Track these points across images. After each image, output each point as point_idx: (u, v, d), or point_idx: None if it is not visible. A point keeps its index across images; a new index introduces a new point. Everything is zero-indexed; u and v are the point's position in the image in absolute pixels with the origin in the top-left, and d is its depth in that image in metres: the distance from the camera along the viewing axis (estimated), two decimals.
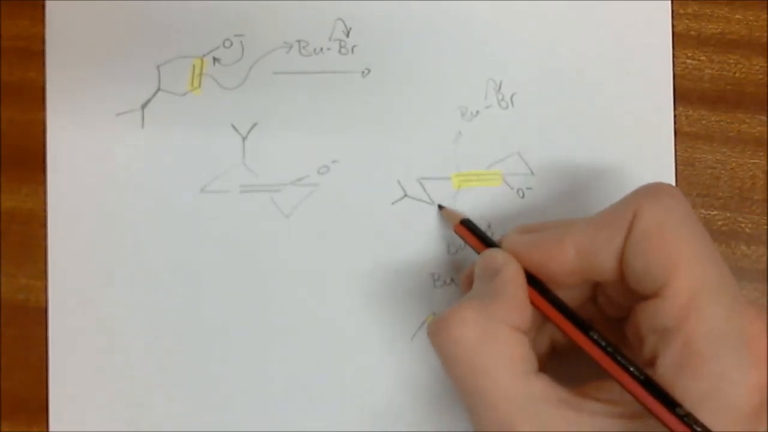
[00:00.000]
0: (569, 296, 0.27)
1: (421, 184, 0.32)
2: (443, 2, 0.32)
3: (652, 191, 0.25)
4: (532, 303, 0.26)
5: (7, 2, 0.32)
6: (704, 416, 0.22)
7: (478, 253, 0.28)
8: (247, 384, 0.31)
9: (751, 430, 0.22)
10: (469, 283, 0.28)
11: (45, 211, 0.31)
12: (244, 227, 0.31)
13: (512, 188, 0.32)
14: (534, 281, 0.26)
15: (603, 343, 0.24)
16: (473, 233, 0.29)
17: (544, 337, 0.28)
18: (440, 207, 0.31)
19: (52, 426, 0.31)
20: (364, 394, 0.31)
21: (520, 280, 0.26)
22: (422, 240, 0.31)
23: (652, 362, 0.24)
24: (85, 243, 0.31)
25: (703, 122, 0.33)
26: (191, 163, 0.31)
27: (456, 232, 0.30)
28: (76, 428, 0.30)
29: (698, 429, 0.21)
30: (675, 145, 0.32)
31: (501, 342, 0.24)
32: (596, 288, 0.28)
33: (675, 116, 0.32)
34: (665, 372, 0.23)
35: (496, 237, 0.31)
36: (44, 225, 0.31)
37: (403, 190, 0.32)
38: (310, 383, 0.31)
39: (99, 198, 0.31)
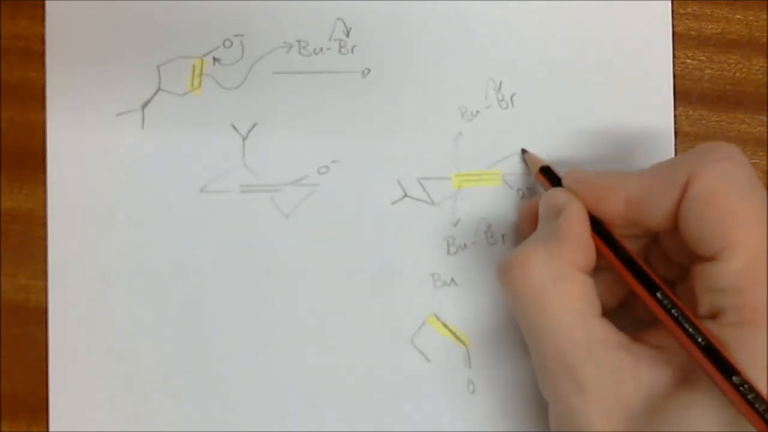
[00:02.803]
0: None
1: (421, 184, 0.32)
2: (443, 2, 0.32)
3: (709, 154, 0.25)
4: (597, 249, 0.26)
5: (7, 2, 0.32)
6: None
7: None
8: (247, 384, 0.31)
9: None
10: (528, 220, 0.28)
11: (45, 211, 0.31)
12: (244, 227, 0.31)
13: (512, 188, 0.32)
14: (599, 226, 0.26)
15: (664, 301, 0.24)
16: (551, 182, 0.29)
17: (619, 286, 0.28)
18: (523, 151, 0.31)
19: (52, 426, 0.31)
20: (364, 394, 0.31)
21: (582, 219, 0.26)
22: (422, 240, 0.31)
23: (708, 319, 0.24)
24: (85, 243, 0.31)
25: (703, 122, 0.32)
26: (191, 163, 0.31)
27: (536, 179, 0.30)
28: (76, 428, 0.30)
29: (750, 397, 0.22)
30: (675, 145, 0.32)
31: (566, 283, 0.25)
32: (649, 248, 0.28)
33: (675, 116, 0.32)
34: (724, 330, 0.24)
35: (496, 237, 0.32)
36: (44, 225, 0.31)
37: (403, 190, 0.32)
38: (310, 383, 0.31)
39: (99, 198, 0.31)
